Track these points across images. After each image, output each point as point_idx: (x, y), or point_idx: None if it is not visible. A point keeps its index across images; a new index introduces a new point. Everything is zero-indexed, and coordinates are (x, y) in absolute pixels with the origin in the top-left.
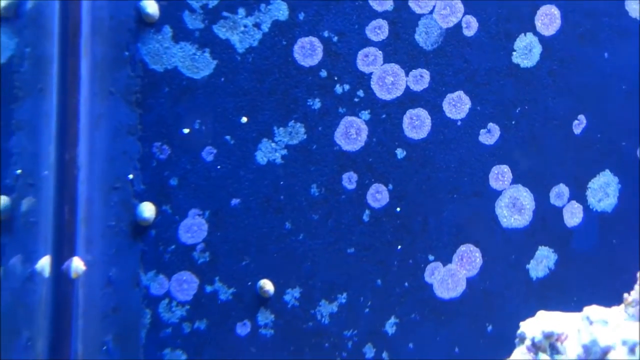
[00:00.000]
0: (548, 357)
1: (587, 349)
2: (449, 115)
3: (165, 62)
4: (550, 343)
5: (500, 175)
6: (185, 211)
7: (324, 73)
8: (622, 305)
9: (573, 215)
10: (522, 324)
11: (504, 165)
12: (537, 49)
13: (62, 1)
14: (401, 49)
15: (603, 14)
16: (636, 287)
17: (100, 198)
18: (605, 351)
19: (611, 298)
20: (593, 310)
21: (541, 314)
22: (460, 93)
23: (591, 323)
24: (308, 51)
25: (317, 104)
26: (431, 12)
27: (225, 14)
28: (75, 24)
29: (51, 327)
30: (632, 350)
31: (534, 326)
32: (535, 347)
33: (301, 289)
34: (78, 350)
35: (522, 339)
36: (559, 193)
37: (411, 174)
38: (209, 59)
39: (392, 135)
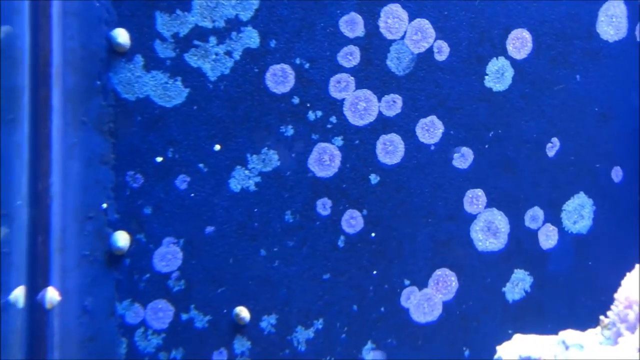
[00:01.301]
0: None
1: None
2: (422, 140)
3: (137, 91)
4: None
5: (474, 199)
6: (160, 239)
7: (296, 100)
8: (599, 328)
9: (548, 238)
10: (498, 348)
11: (478, 189)
12: (509, 73)
13: (33, 32)
14: (373, 74)
15: (574, 36)
16: (613, 308)
17: (74, 228)
18: None
19: (587, 320)
20: (569, 335)
21: (518, 337)
22: (433, 118)
23: (567, 347)
24: (280, 78)
25: (290, 130)
26: (402, 37)
27: (196, 42)
28: (45, 54)
29: (27, 357)
30: None
31: (510, 350)
32: None
33: (277, 316)
34: None
35: None
36: (534, 216)
37: (385, 199)
38: (181, 87)
39: (366, 160)
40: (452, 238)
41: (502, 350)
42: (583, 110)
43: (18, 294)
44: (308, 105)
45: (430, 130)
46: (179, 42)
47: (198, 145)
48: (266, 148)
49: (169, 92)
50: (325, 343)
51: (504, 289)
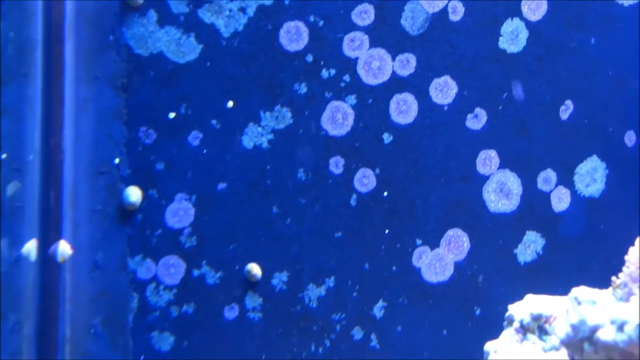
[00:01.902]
0: (537, 339)
1: (575, 328)
2: (435, 100)
3: (150, 47)
4: (539, 325)
5: (487, 160)
6: (172, 195)
7: (310, 58)
8: (610, 289)
9: (560, 201)
10: (510, 306)
11: (491, 150)
12: (524, 34)
13: None
14: (387, 33)
15: None
16: (624, 269)
17: (86, 182)
18: (594, 330)
19: (598, 282)
20: (581, 291)
21: (529, 297)
22: (446, 78)
23: (579, 303)
24: (294, 36)
25: (303, 88)
26: None
27: None
28: (59, 8)
29: (38, 311)
30: (620, 329)
31: (522, 309)
32: (524, 329)
33: (289, 273)
34: (65, 334)
35: (511, 321)
36: (547, 178)
37: (398, 158)
38: (194, 43)
39: (379, 120)
40: (465, 199)
41: (514, 308)
42: (597, 73)
43: (30, 248)
44: (322, 63)
45: (443, 90)
46: None
47: (211, 102)
48: (279, 105)
49: (182, 48)
50: (337, 301)
51: (515, 250)
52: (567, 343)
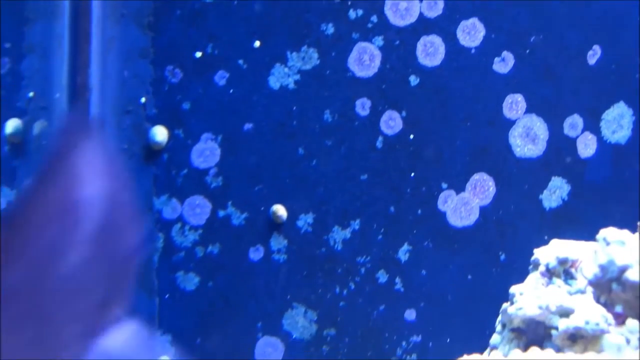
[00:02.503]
0: (562, 282)
1: (603, 268)
2: (463, 42)
3: None
4: (565, 269)
5: (514, 104)
6: (198, 135)
7: None
8: (637, 233)
9: (587, 147)
10: (536, 250)
11: (518, 94)
12: None
13: None
14: None
15: None
16: None
17: (112, 121)
18: (622, 270)
19: (623, 229)
20: (610, 232)
21: (555, 242)
22: (474, 20)
23: (608, 244)
24: None
25: (330, 29)
26: None
27: None
28: None
29: None
30: None
31: (548, 253)
32: (550, 273)
33: (314, 215)
34: None
35: (536, 265)
36: (573, 124)
37: (425, 101)
38: None
39: (406, 61)
40: (491, 143)
41: (540, 252)
42: (625, 18)
43: None
44: (349, 3)
45: (471, 33)
46: None
47: (237, 41)
48: (306, 46)
49: None
50: (362, 243)
51: (541, 196)
52: (595, 283)
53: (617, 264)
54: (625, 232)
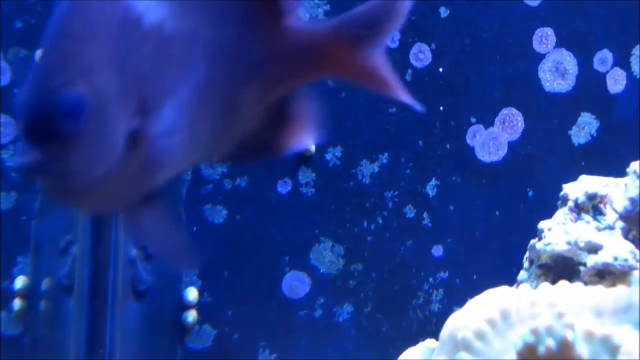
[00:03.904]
0: (591, 218)
1: (633, 201)
2: None
3: None
4: (594, 205)
5: (544, 38)
6: None
7: None
8: None
9: (616, 82)
10: (564, 186)
11: (548, 28)
12: None
13: None
14: None
15: None
16: None
17: None
18: None
19: None
20: None
21: (584, 178)
22: None
23: (639, 177)
24: None
25: None
26: None
27: None
28: None
29: None
30: None
31: (577, 188)
32: (578, 209)
33: (342, 148)
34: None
35: (565, 201)
36: (603, 59)
37: (454, 34)
38: None
39: None
40: (520, 77)
41: (568, 187)
42: None
43: None
44: None
45: None
46: None
47: None
48: None
49: None
50: (390, 177)
51: (570, 131)
52: (625, 217)
53: None
54: None
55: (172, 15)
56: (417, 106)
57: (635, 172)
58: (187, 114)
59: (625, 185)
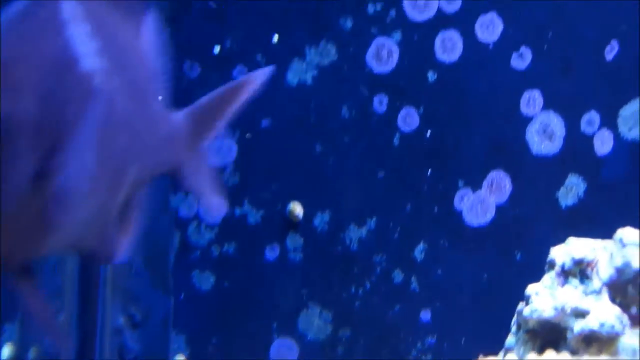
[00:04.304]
0: (578, 283)
1: (619, 270)
2: (481, 38)
3: None
4: (581, 269)
5: (531, 100)
6: None
7: None
8: None
9: (603, 143)
10: (552, 249)
11: (535, 90)
12: None
13: None
14: None
15: None
16: None
17: None
18: (638, 272)
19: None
20: (626, 233)
21: (571, 240)
22: (492, 15)
23: (624, 245)
24: None
25: (348, 23)
26: None
27: None
28: None
29: None
30: None
31: (564, 252)
32: (565, 274)
33: (331, 213)
34: (107, 272)
35: (552, 265)
36: (590, 120)
37: (442, 97)
38: None
39: (424, 57)
40: (508, 140)
41: (555, 252)
42: None
43: None
44: None
45: (489, 28)
46: None
47: (256, 36)
48: (324, 40)
49: None
50: (378, 242)
51: (557, 193)
52: (611, 285)
53: (632, 266)
54: None
55: (102, 70)
56: (223, 207)
57: (620, 240)
58: (91, 168)
59: (611, 254)
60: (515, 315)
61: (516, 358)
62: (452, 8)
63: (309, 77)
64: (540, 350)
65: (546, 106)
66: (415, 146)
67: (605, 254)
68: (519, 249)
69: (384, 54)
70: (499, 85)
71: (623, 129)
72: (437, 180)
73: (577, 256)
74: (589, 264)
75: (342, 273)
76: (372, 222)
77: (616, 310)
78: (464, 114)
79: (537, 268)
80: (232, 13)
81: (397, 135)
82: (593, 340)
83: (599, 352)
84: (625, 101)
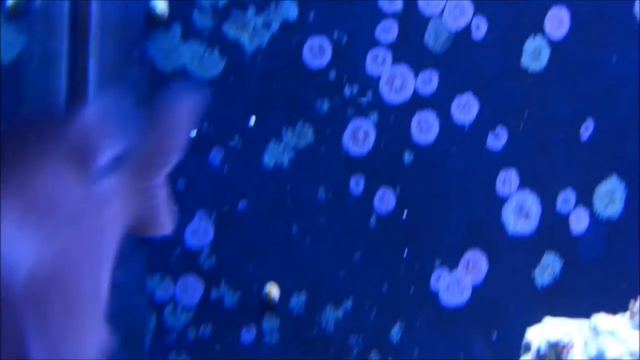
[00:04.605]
0: None
1: None
2: (457, 118)
3: (174, 62)
4: (556, 352)
5: (507, 180)
6: (192, 214)
7: (332, 74)
8: (628, 313)
9: (579, 222)
10: (528, 330)
11: (511, 170)
12: (546, 52)
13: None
14: (410, 50)
15: (612, 17)
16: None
17: None
18: None
19: (617, 305)
20: (600, 320)
21: (548, 320)
22: (468, 96)
23: (598, 334)
24: (317, 52)
25: (325, 105)
26: (441, 13)
27: (235, 12)
28: (84, 22)
29: None
30: None
31: (539, 335)
32: (540, 358)
33: (307, 295)
34: None
35: (528, 348)
36: (566, 199)
37: (418, 178)
38: (218, 58)
39: (400, 138)
40: (484, 220)
41: (531, 334)
42: (618, 93)
43: None
44: (344, 80)
45: (465, 108)
46: (217, 12)
47: (232, 119)
48: (301, 123)
49: (206, 63)
50: (354, 323)
51: (533, 272)
52: None
53: (607, 357)
54: (616, 320)
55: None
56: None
57: (595, 328)
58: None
59: (585, 342)
60: None
61: None
62: (428, 89)
63: (285, 160)
64: None
65: (522, 185)
66: (391, 227)
67: (580, 338)
68: (495, 329)
69: (360, 136)
70: (475, 165)
71: (599, 207)
72: (413, 261)
73: (553, 339)
74: (564, 347)
75: (319, 355)
76: (348, 303)
77: None
78: (440, 194)
79: (513, 348)
80: (209, 95)
81: (374, 216)
82: None
83: None
84: (600, 179)
